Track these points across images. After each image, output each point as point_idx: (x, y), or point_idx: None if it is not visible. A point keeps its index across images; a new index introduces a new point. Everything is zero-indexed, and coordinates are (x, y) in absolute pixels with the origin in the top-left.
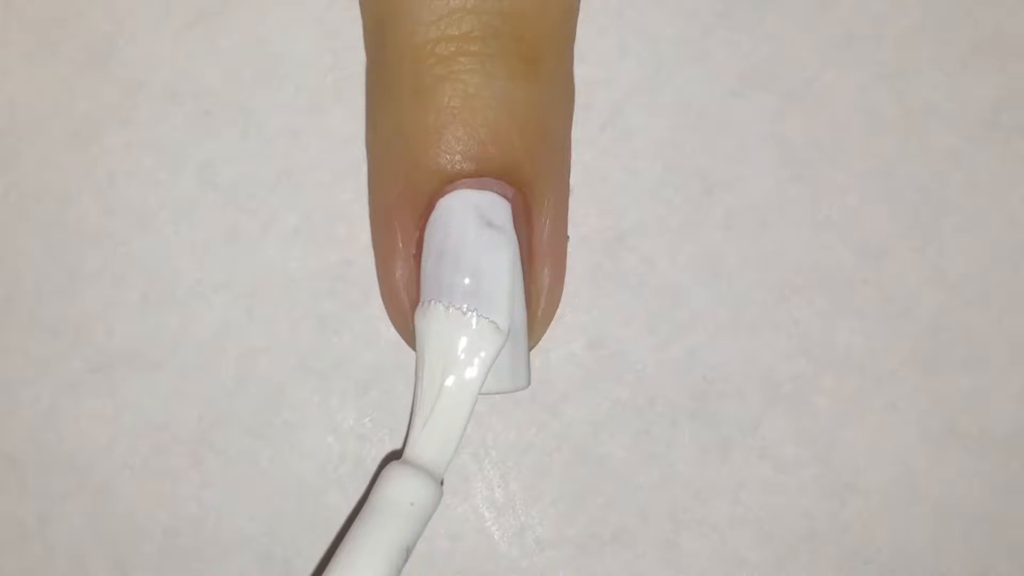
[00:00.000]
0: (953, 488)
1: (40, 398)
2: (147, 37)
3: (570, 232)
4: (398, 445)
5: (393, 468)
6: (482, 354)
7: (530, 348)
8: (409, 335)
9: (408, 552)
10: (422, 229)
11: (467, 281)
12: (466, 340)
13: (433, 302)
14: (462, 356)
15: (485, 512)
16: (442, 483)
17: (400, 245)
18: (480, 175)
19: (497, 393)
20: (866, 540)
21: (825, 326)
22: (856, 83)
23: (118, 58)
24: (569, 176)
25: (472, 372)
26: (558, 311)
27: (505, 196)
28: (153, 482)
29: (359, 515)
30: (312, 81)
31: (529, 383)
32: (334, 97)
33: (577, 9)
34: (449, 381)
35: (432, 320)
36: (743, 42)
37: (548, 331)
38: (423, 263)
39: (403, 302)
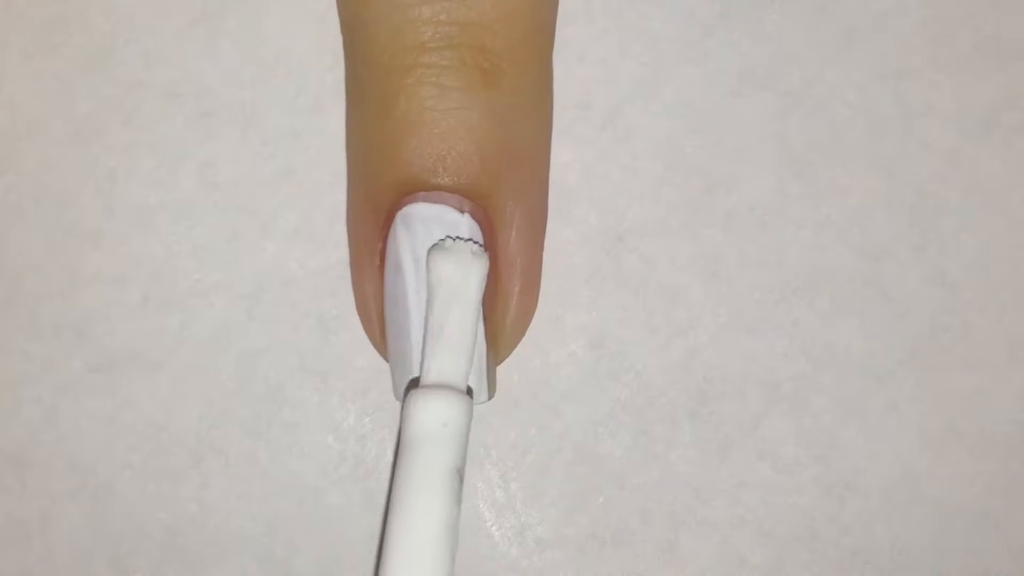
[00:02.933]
0: (953, 488)
1: (41, 398)
2: (147, 37)
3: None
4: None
5: (412, 398)
6: (475, 269)
7: (499, 361)
8: (382, 348)
9: (460, 473)
10: (384, 241)
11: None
12: (458, 264)
13: (440, 244)
14: (456, 277)
15: (485, 512)
16: (470, 393)
17: (366, 257)
18: (436, 188)
19: None
20: (866, 540)
21: (825, 326)
22: (856, 83)
23: (118, 58)
24: (544, 187)
25: (468, 288)
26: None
27: (461, 209)
28: (153, 482)
29: (397, 458)
30: (312, 81)
31: (491, 396)
32: (334, 97)
33: (551, 18)
34: (450, 305)
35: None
36: (743, 42)
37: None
38: (385, 272)
39: (372, 314)
